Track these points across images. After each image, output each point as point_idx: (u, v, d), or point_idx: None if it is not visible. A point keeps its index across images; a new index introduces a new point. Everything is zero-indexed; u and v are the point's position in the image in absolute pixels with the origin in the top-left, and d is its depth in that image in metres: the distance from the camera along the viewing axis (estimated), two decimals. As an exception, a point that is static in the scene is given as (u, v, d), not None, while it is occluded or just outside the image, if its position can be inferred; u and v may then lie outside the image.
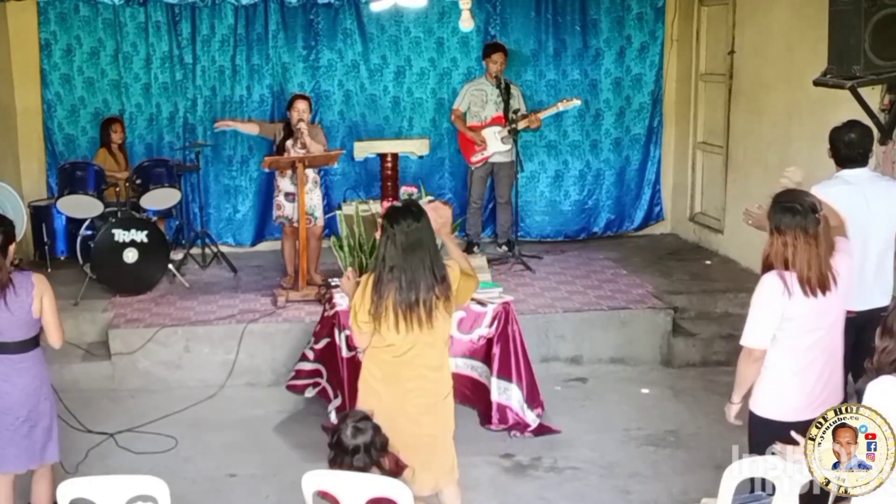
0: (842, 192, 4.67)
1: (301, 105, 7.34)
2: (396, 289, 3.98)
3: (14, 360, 4.31)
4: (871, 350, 3.14)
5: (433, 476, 4.20)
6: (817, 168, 6.77)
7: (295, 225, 7.31)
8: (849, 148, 4.85)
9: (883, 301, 4.87)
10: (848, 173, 4.85)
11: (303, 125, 7.22)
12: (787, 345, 3.93)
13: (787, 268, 3.84)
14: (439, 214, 4.38)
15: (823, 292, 3.82)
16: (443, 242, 4.34)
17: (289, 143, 7.35)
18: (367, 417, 3.66)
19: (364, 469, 3.53)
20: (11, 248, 4.31)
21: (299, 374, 6.26)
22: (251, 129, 8.05)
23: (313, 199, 7.39)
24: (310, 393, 6.17)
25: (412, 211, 4.07)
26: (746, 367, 4.03)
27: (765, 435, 3.92)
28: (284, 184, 7.36)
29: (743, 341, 4.00)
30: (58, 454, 4.60)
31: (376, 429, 3.62)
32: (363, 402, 4.12)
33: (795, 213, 3.83)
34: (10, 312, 4.23)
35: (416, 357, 4.08)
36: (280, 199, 7.39)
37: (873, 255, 4.76)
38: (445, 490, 4.28)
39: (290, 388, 6.29)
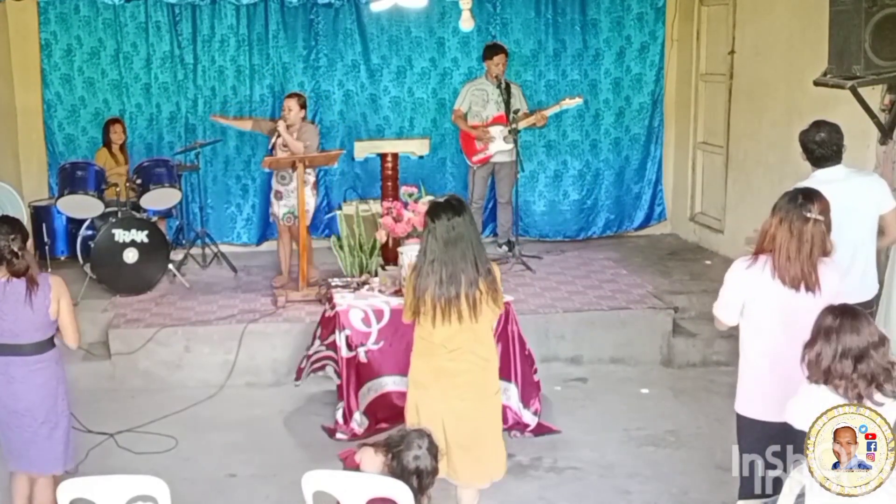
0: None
1: (287, 103, 7.37)
2: (436, 283, 3.97)
3: (30, 361, 4.31)
4: None
5: (482, 471, 4.20)
6: (817, 168, 6.78)
7: (282, 222, 7.44)
8: (822, 147, 4.84)
9: (864, 297, 4.85)
10: (823, 173, 4.83)
11: (280, 124, 7.24)
12: (756, 331, 3.92)
13: (766, 250, 3.85)
14: None
15: (805, 290, 3.78)
16: None
17: (279, 140, 7.36)
18: (435, 447, 3.48)
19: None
20: (29, 245, 4.33)
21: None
22: (244, 125, 8.14)
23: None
24: (330, 372, 6.09)
25: (452, 205, 4.06)
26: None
27: (753, 436, 3.91)
28: (273, 182, 7.48)
29: (714, 310, 4.07)
30: (73, 458, 4.60)
31: (435, 469, 3.46)
32: (410, 397, 4.13)
33: (790, 201, 3.84)
34: (33, 312, 4.25)
35: (464, 353, 4.06)
36: (271, 197, 7.50)
37: (852, 252, 4.72)
38: (465, 492, 4.26)
39: (302, 371, 6.24)
